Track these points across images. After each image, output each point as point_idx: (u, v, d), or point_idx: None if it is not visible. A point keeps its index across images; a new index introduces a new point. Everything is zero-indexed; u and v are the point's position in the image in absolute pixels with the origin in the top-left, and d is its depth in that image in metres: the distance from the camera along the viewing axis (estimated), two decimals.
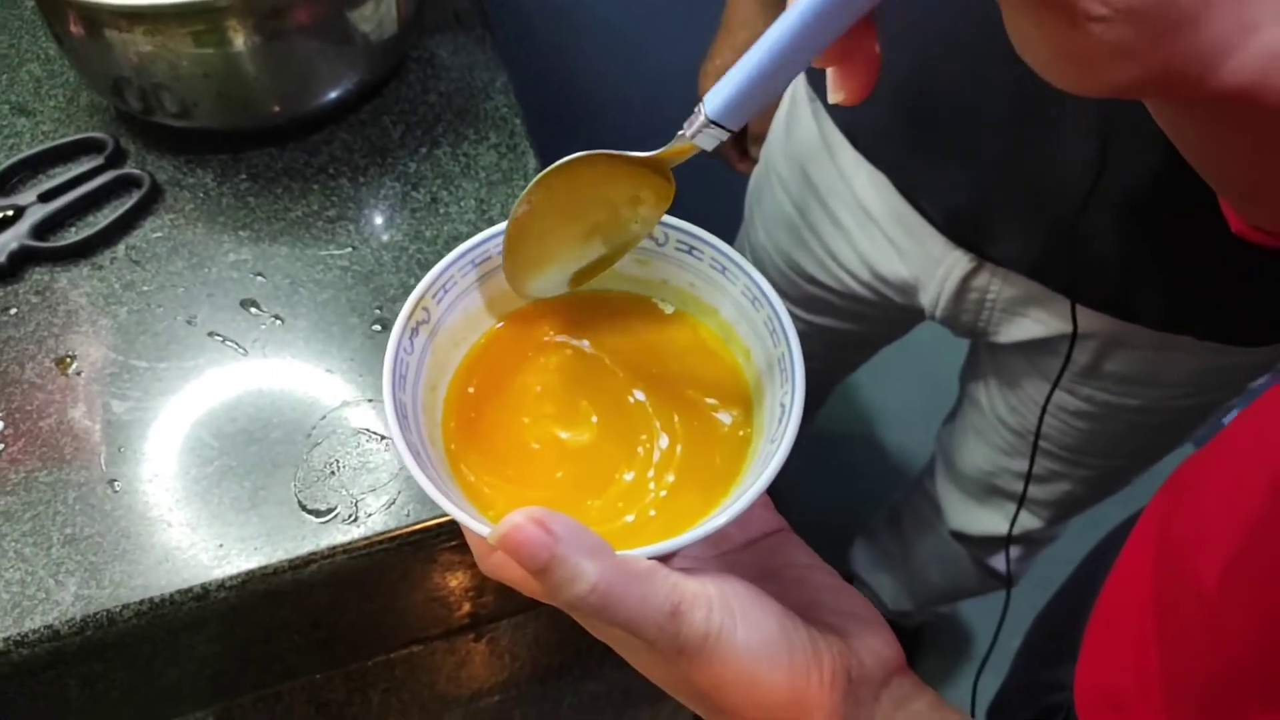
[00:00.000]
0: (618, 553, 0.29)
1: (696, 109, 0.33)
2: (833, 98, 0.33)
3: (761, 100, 0.32)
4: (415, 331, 0.38)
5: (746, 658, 0.30)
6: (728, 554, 0.37)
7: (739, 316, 0.40)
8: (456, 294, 0.39)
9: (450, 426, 0.39)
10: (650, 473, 0.38)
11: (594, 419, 0.40)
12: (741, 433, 0.39)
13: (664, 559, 0.31)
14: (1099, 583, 0.62)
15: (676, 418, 0.40)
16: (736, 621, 0.30)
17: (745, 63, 0.31)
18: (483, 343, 0.41)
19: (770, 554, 0.37)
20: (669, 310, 0.43)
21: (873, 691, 0.33)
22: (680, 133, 0.34)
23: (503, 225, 0.39)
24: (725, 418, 0.40)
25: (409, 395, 0.37)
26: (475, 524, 0.31)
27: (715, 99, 0.32)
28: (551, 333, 0.42)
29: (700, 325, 0.42)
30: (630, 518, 0.37)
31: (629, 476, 0.38)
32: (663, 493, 0.38)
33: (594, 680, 0.64)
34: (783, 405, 0.36)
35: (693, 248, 0.40)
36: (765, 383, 0.39)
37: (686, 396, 0.40)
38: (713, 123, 0.32)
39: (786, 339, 0.37)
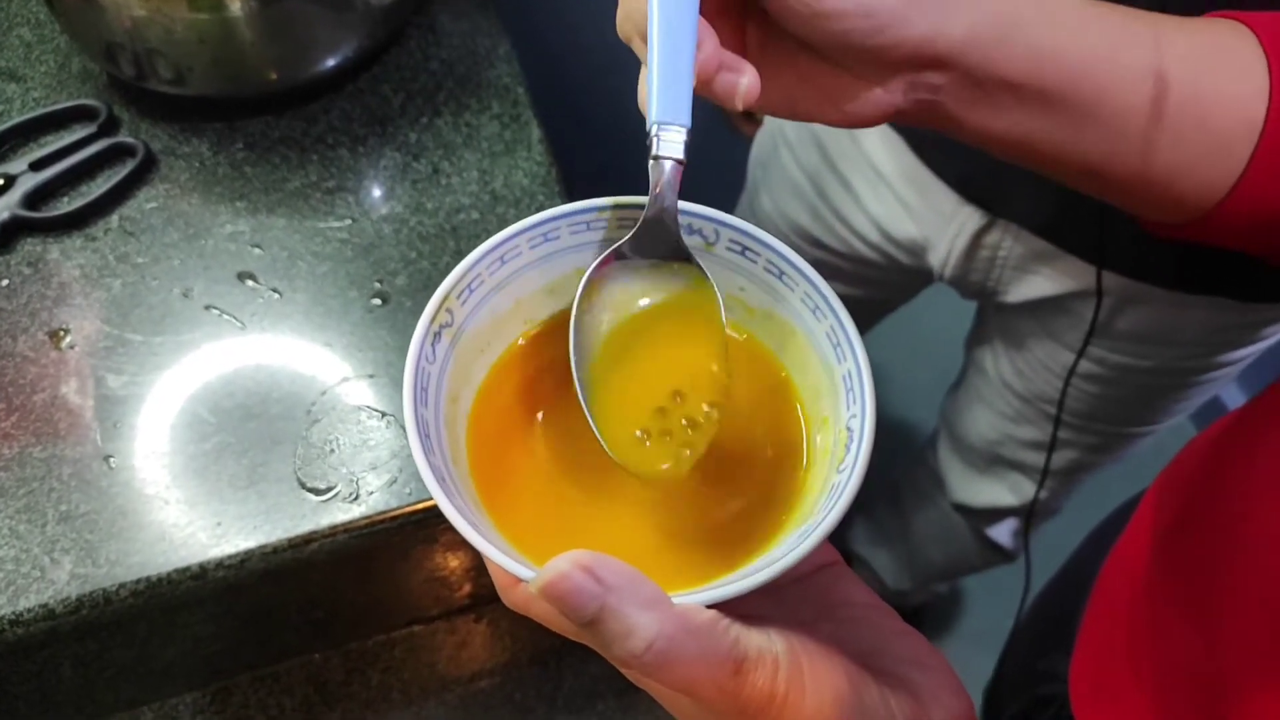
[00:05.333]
0: (675, 601, 0.26)
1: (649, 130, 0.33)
2: (740, 105, 0.34)
3: (688, 84, 0.33)
4: (438, 337, 0.34)
5: None
6: (776, 589, 0.33)
7: (796, 327, 0.36)
8: (483, 294, 0.35)
9: (475, 443, 0.35)
10: (697, 502, 0.35)
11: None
12: (798, 459, 0.35)
13: (722, 607, 0.28)
14: (1096, 569, 0.61)
15: (724, 441, 0.35)
16: (805, 680, 0.27)
17: (651, 64, 0.33)
18: (511, 350, 0.37)
19: (824, 590, 0.33)
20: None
21: None
22: (651, 159, 0.34)
23: (535, 217, 0.35)
24: (779, 443, 0.36)
25: (431, 410, 0.33)
26: (513, 564, 0.28)
27: (651, 107, 0.33)
28: None
29: (748, 337, 0.38)
30: (675, 554, 0.33)
31: (673, 507, 0.34)
32: (712, 525, 0.34)
33: (595, 663, 0.63)
34: (850, 429, 0.32)
35: (746, 248, 0.36)
36: (825, 402, 0.35)
37: (734, 418, 0.36)
38: (664, 126, 0.33)
39: (854, 354, 0.33)
